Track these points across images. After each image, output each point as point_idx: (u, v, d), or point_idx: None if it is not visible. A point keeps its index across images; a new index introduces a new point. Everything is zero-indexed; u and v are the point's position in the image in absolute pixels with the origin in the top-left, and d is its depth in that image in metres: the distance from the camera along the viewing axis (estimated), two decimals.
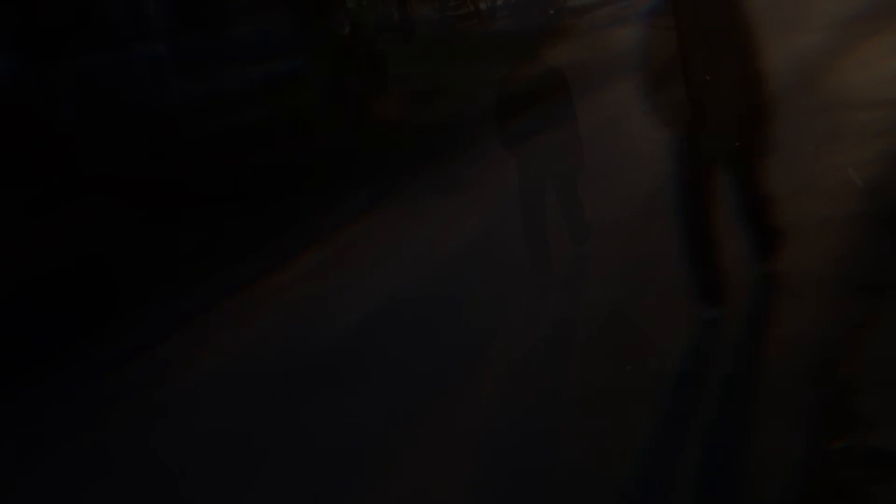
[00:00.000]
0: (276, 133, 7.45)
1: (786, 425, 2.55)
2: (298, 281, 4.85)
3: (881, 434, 2.43)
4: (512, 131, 4.09)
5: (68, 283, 5.00)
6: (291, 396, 3.42)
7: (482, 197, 5.43)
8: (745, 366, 2.90)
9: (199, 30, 9.92)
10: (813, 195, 3.96)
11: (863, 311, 2.98)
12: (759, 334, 3.09)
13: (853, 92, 5.58)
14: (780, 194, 3.33)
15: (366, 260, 4.94)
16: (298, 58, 8.82)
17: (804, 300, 3.11)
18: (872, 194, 3.88)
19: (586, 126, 4.16)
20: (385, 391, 3.28)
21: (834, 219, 3.68)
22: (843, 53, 6.69)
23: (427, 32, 10.07)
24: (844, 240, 3.51)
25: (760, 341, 3.03)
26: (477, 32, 10.34)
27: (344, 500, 2.71)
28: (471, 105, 7.11)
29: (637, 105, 3.42)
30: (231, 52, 10.01)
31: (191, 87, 8.99)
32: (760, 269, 3.30)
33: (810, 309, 3.04)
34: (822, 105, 5.40)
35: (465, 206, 5.38)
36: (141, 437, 3.34)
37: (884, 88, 5.43)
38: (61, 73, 7.17)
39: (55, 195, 6.19)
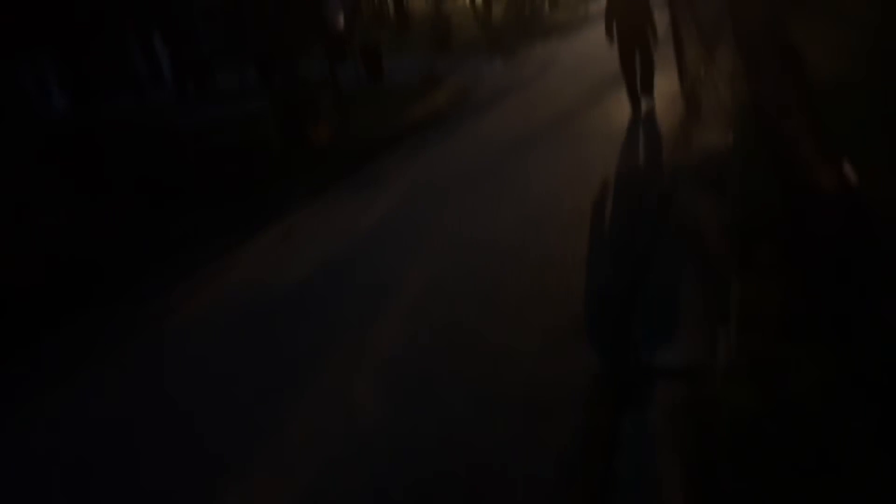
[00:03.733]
0: (246, 151, 8.82)
1: (589, 350, 3.41)
2: (263, 247, 5.82)
3: (646, 353, 3.22)
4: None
5: (105, 249, 5.95)
6: (260, 325, 4.28)
7: (386, 191, 6.91)
8: None
9: (194, 80, 12.90)
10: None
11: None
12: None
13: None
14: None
15: (307, 232, 6.04)
16: (262, 100, 10.28)
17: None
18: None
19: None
20: (327, 319, 4.24)
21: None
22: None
23: (353, 84, 11.87)
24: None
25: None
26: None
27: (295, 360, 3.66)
28: (377, 133, 9.07)
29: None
30: (214, 96, 12.93)
31: (188, 119, 11.25)
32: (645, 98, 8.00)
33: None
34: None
35: (374, 196, 6.74)
36: (155, 353, 4.19)
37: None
38: (103, 107, 9.58)
39: (100, 193, 7.45)
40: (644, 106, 8.08)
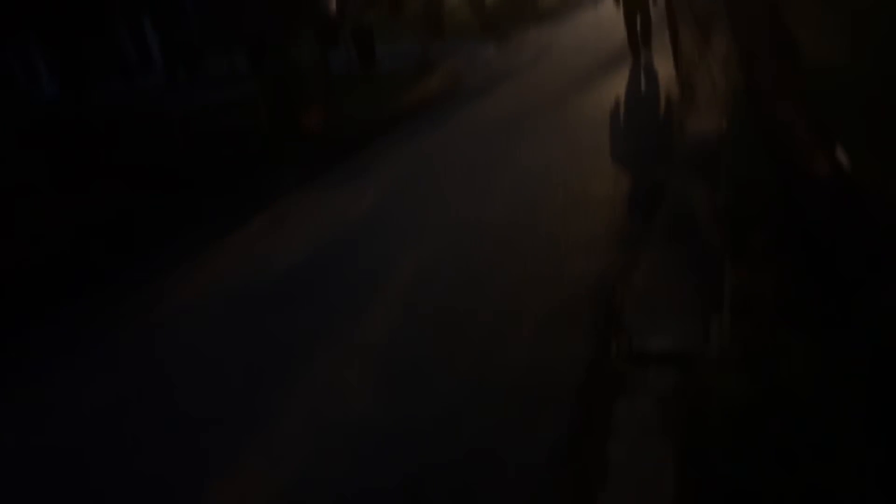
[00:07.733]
0: (237, 137, 8.67)
1: (582, 335, 3.41)
2: (255, 233, 5.79)
3: (639, 339, 3.19)
4: None
5: (95, 235, 5.95)
6: (252, 312, 4.30)
7: (379, 176, 6.93)
8: None
9: (184, 65, 12.81)
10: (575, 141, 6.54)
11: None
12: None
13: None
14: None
15: (299, 218, 6.06)
16: (253, 85, 10.42)
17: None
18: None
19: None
20: (319, 305, 4.23)
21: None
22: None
23: (345, 69, 12.01)
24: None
25: None
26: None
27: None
28: (369, 119, 9.04)
29: None
30: (204, 81, 12.84)
31: (178, 105, 11.12)
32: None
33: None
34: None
35: (367, 182, 6.75)
36: (146, 340, 4.16)
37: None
38: (93, 93, 9.51)
39: (90, 179, 7.27)
40: (643, 57, 9.93)
